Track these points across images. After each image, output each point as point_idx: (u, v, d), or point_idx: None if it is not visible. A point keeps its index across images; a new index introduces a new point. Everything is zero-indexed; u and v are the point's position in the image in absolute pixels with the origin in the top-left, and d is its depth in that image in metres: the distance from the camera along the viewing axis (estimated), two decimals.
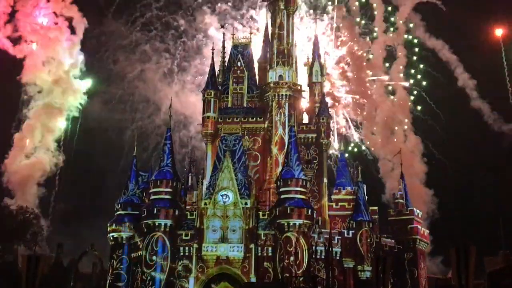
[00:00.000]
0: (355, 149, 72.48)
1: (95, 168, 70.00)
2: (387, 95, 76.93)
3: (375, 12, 78.14)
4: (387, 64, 76.67)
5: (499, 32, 75.64)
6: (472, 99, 73.63)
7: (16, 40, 74.88)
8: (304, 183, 44.73)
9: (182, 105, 68.34)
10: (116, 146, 69.71)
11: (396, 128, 75.10)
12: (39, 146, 76.44)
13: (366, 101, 75.99)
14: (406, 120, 74.06)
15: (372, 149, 72.23)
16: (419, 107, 75.32)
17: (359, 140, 73.40)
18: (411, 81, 75.97)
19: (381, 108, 74.79)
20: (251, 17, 74.20)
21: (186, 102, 69.87)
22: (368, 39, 76.97)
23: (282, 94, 49.55)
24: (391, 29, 78.80)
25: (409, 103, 74.90)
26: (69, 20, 77.22)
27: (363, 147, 73.26)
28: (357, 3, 76.97)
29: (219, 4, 75.72)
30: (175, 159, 48.13)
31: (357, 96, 75.32)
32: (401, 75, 76.03)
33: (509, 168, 64.24)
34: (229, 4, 75.85)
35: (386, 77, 76.50)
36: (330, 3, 76.31)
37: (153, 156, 65.57)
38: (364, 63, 77.97)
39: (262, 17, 70.18)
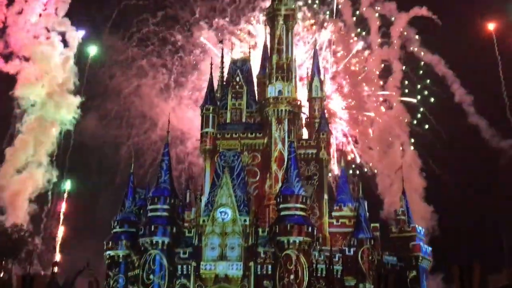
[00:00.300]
0: (353, 165, 72.16)
1: (90, 185, 69.00)
2: (383, 110, 76.92)
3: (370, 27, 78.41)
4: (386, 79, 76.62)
5: (491, 26, 75.11)
6: (469, 115, 73.68)
7: (7, 57, 74.22)
8: (304, 200, 44.22)
9: (179, 120, 68.03)
10: (112, 162, 68.93)
11: (391, 140, 75.08)
12: (31, 161, 75.51)
13: (362, 115, 75.93)
14: (404, 135, 73.95)
15: (370, 164, 72.02)
16: (415, 121, 75.30)
17: (358, 155, 73.19)
18: (417, 98, 75.78)
19: (378, 123, 74.75)
20: (249, 32, 74.11)
21: (183, 117, 69.62)
22: (365, 53, 76.92)
23: (282, 110, 49.45)
24: (387, 43, 79.06)
25: (406, 119, 74.75)
26: (62, 34, 76.66)
27: (361, 162, 73.03)
28: (354, 19, 77.03)
29: (216, 20, 75.59)
30: (172, 175, 47.49)
31: (354, 111, 75.22)
32: (401, 89, 76.04)
33: (509, 184, 64.11)
34: (227, 19, 75.76)
35: (382, 92, 76.48)
36: (327, 17, 76.41)
37: (149, 173, 64.80)
38: (360, 78, 78.04)
39: (260, 32, 70.42)
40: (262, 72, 54.13)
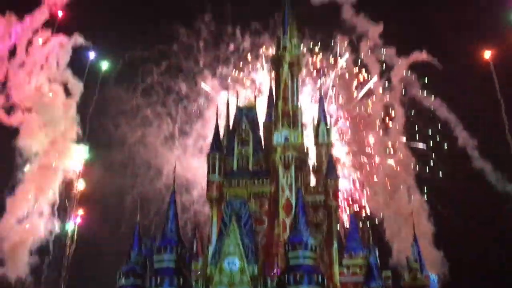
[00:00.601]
0: (362, 212, 71.63)
1: (93, 235, 68.19)
2: (387, 154, 76.90)
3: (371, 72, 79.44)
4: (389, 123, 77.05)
5: (487, 54, 75.38)
6: (474, 159, 73.58)
7: (9, 109, 74.77)
8: (313, 248, 43.55)
9: (183, 169, 68.14)
10: (116, 211, 68.39)
11: (397, 185, 74.66)
12: (32, 211, 74.95)
13: (367, 161, 75.87)
14: (410, 179, 73.60)
15: (378, 210, 71.45)
16: (421, 166, 75.12)
17: (365, 201, 72.76)
18: (421, 142, 76.02)
19: (383, 168, 74.58)
20: (253, 80, 75.13)
21: (187, 166, 69.72)
22: (367, 98, 77.75)
23: (288, 156, 49.57)
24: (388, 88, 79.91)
25: (411, 163, 74.64)
26: (64, 84, 77.40)
27: (368, 208, 72.50)
28: (356, 69, 78.15)
29: (220, 68, 76.70)
30: (179, 224, 47.00)
31: (358, 157, 75.24)
32: (405, 134, 76.36)
33: None
34: (230, 67, 76.83)
35: (386, 137, 76.73)
36: (331, 61, 77.54)
37: (153, 222, 64.06)
38: (363, 123, 78.50)
39: (265, 79, 71.54)
40: (268, 119, 54.37)
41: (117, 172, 73.70)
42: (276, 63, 53.71)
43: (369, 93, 79.21)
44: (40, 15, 77.05)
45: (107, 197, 71.80)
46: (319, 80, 68.84)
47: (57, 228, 71.51)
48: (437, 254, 65.57)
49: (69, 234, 72.23)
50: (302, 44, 54.62)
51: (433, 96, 78.99)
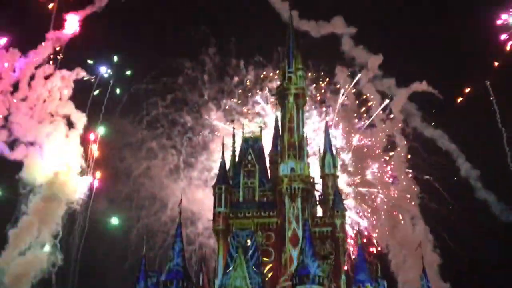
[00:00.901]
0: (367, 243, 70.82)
1: (97, 268, 67.27)
2: (390, 184, 76.60)
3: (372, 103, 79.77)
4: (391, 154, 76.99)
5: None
6: (477, 190, 73.33)
7: (12, 144, 74.65)
8: (321, 280, 43.06)
9: (189, 201, 67.56)
10: (121, 244, 67.79)
11: (401, 216, 74.16)
12: (35, 243, 74.19)
13: (370, 192, 75.48)
14: (414, 210, 73.08)
15: (382, 241, 70.77)
16: (425, 197, 74.70)
17: (370, 231, 72.05)
18: (423, 173, 75.82)
19: (386, 198, 74.21)
20: (257, 112, 75.57)
21: (192, 198, 69.37)
22: (368, 130, 77.98)
23: (295, 187, 49.27)
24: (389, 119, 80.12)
25: (415, 194, 74.25)
26: (67, 117, 77.45)
27: (375, 240, 71.73)
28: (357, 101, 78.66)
29: (224, 101, 77.18)
30: (185, 257, 46.45)
31: (361, 188, 74.90)
32: (407, 164, 76.27)
33: None
34: (234, 100, 77.22)
35: (389, 167, 76.59)
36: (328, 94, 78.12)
37: (158, 255, 63.25)
38: (365, 154, 78.39)
39: (269, 110, 72.05)
40: (274, 150, 54.40)
41: (121, 204, 73.33)
42: (281, 95, 53.92)
43: (371, 124, 79.38)
44: (44, 50, 77.82)
45: (112, 230, 71.54)
46: (323, 111, 68.63)
47: (59, 260, 70.60)
48: (444, 285, 64.76)
49: (72, 266, 71.26)
50: (306, 77, 54.43)
51: (434, 127, 79.23)
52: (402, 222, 73.25)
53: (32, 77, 77.11)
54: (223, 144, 53.49)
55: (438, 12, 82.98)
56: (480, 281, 62.83)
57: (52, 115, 77.72)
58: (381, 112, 79.53)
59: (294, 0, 64.65)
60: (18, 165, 72.49)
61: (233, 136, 54.14)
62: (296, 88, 53.19)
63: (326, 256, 48.32)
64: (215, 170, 60.98)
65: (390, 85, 79.99)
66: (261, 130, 55.39)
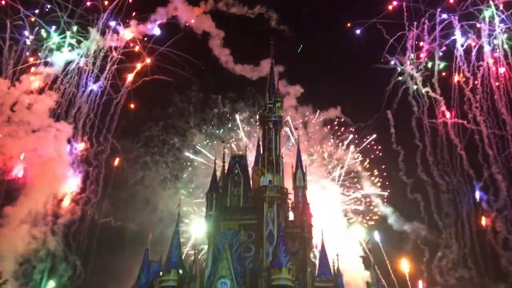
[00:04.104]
0: None
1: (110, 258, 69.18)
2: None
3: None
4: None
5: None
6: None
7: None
8: (291, 272, 45.77)
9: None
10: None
11: None
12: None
13: None
14: None
15: None
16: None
17: None
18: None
19: None
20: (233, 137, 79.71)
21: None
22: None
23: (272, 196, 51.15)
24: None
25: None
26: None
27: None
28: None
29: (205, 127, 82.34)
30: (181, 251, 49.04)
31: None
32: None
33: None
34: (215, 127, 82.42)
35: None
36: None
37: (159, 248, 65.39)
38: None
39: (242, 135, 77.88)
40: (256, 165, 56.29)
41: (121, 207, 75.63)
42: (263, 121, 56.35)
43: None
44: None
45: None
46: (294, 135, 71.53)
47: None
48: None
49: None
50: (282, 107, 57.17)
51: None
52: None
53: None
54: (215, 161, 56.04)
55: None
56: None
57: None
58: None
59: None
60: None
61: (223, 154, 56.05)
62: (274, 116, 55.75)
63: (295, 252, 50.00)
64: (199, 183, 64.32)
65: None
66: (245, 149, 58.01)
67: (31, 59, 77.51)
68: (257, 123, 59.41)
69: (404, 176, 76.49)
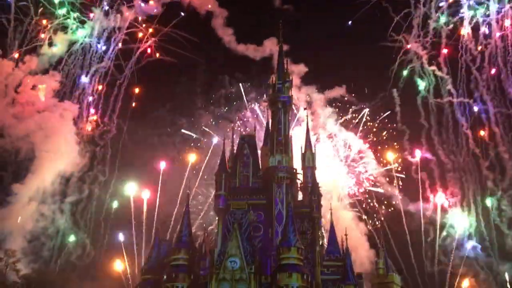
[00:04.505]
0: None
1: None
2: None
3: None
4: None
5: None
6: None
7: None
8: (300, 251, 45.67)
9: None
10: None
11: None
12: None
13: None
14: None
15: None
16: None
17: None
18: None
19: None
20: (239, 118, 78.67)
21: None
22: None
23: (281, 176, 50.97)
24: None
25: None
26: None
27: None
28: None
29: (212, 107, 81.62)
30: (191, 230, 48.92)
31: None
32: None
33: None
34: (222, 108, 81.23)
35: None
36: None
37: (171, 228, 65.44)
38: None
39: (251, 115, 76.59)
40: (265, 145, 55.95)
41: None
42: (272, 102, 55.65)
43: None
44: None
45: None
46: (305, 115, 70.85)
47: None
48: None
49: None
50: (291, 87, 56.14)
51: None
52: None
53: None
54: (224, 141, 55.27)
55: None
56: None
57: None
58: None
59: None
60: None
61: (232, 134, 55.66)
62: (283, 96, 55.01)
63: (304, 232, 49.85)
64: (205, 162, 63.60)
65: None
66: (255, 130, 57.41)
67: (35, 40, 76.86)
68: (266, 103, 58.43)
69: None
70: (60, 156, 70.71)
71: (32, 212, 67.29)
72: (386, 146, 78.99)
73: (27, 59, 75.26)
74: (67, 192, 71.63)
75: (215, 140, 75.60)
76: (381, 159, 78.63)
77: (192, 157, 75.35)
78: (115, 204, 72.90)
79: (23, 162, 70.23)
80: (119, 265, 63.72)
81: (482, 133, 75.08)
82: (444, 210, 73.03)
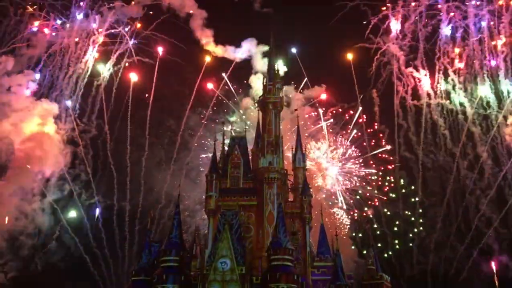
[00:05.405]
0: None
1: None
2: None
3: None
4: None
5: None
6: None
7: None
8: (290, 252, 44.71)
9: (174, 188, 67.71)
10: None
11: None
12: None
13: None
14: None
15: None
16: None
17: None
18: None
19: None
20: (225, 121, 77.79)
21: (172, 184, 69.98)
22: None
23: (272, 177, 50.33)
24: None
25: None
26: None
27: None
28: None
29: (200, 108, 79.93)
30: (182, 231, 47.69)
31: None
32: None
33: None
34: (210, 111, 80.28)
35: None
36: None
37: (159, 229, 64.25)
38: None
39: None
40: (256, 146, 55.31)
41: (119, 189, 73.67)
42: (262, 103, 55.00)
43: None
44: None
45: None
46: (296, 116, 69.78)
47: None
48: None
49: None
50: (282, 88, 55.27)
51: None
52: None
53: None
54: (214, 142, 54.45)
55: None
56: None
57: None
58: None
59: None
60: None
61: (223, 135, 54.92)
62: (274, 98, 54.33)
63: (295, 232, 49.31)
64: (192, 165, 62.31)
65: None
66: (245, 131, 56.36)
67: (14, 42, 75.21)
68: (256, 105, 57.55)
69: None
70: (40, 154, 68.68)
71: (12, 210, 65.01)
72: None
73: (3, 60, 73.41)
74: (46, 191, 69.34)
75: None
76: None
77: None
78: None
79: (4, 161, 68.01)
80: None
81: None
82: None
